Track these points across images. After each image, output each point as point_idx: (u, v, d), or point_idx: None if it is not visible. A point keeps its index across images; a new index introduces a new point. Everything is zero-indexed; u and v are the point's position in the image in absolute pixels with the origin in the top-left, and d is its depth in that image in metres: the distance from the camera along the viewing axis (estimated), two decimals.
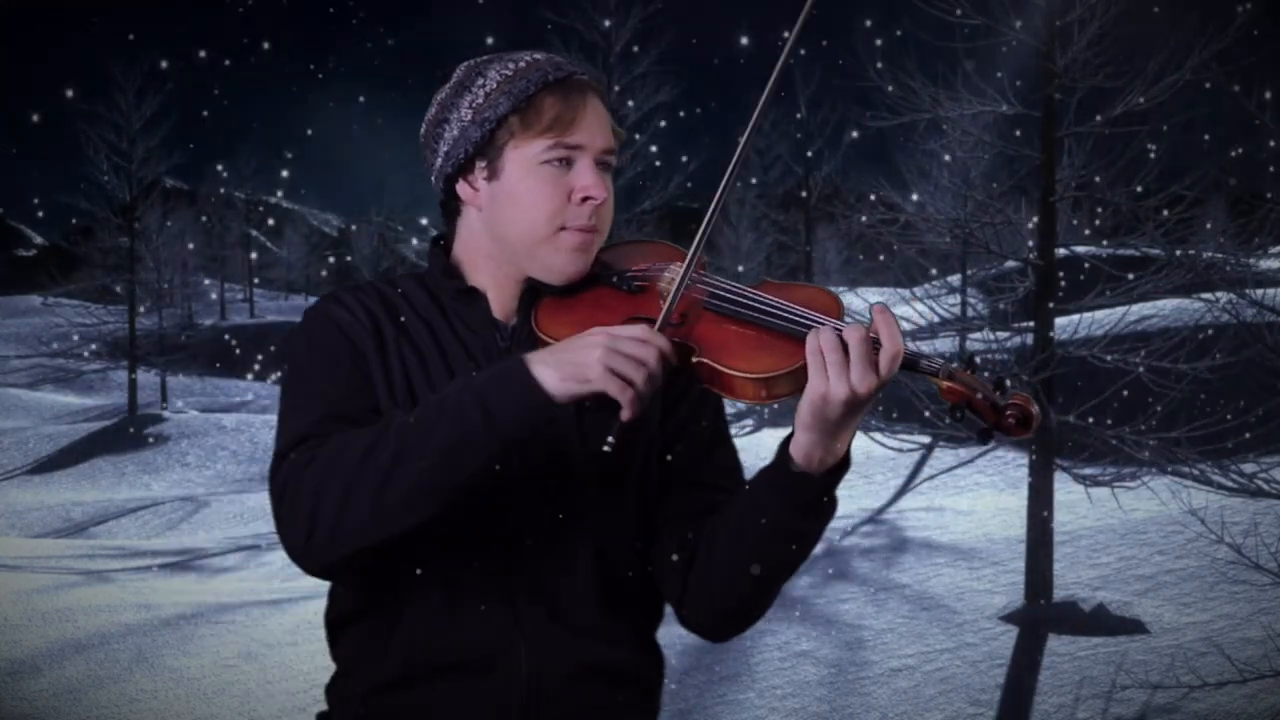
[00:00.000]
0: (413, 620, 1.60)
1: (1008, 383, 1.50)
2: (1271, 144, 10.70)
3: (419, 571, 1.59)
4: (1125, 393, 12.71)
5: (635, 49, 23.94)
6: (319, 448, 1.51)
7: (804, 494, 1.53)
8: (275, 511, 1.53)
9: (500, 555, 1.61)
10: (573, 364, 1.46)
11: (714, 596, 1.63)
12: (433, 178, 1.71)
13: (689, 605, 1.66)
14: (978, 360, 1.60)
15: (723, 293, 1.61)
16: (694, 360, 1.55)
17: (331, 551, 1.48)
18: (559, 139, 1.60)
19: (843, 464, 1.54)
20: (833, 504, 1.56)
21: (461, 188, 1.67)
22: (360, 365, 1.62)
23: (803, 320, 1.54)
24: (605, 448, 1.46)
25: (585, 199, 1.62)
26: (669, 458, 1.70)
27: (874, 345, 1.47)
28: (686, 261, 1.58)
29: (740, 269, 38.33)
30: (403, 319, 1.68)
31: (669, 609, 1.75)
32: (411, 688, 1.59)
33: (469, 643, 1.59)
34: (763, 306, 1.57)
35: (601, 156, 1.64)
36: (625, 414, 1.46)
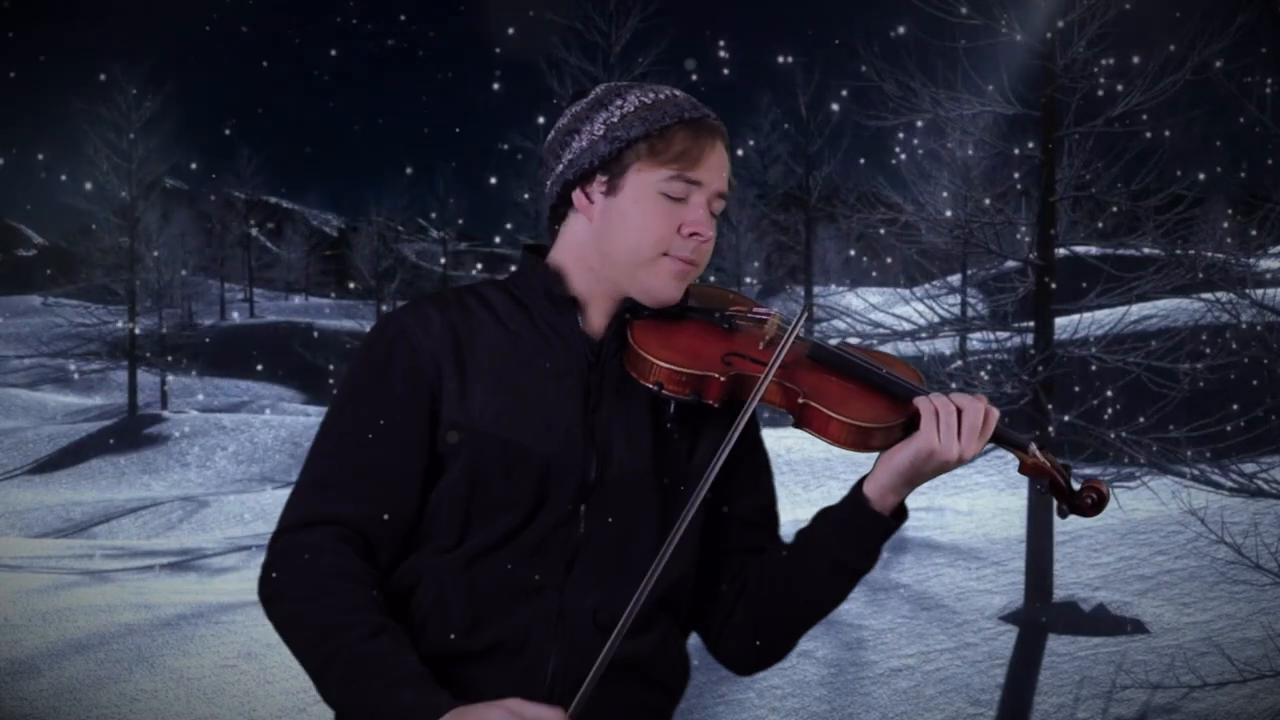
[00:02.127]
0: (451, 599, 1.63)
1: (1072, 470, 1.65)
2: (1271, 148, 10.70)
3: (479, 554, 1.63)
4: (1125, 393, 12.71)
5: (637, 48, 23.94)
6: (324, 553, 1.59)
7: (874, 535, 1.66)
8: (270, 550, 1.64)
9: (563, 553, 1.65)
10: None
11: (762, 628, 1.73)
12: (549, 182, 1.76)
13: (730, 635, 1.75)
14: (1052, 433, 1.78)
15: (827, 348, 1.74)
16: (799, 402, 1.66)
17: (272, 625, 1.63)
18: (681, 172, 1.68)
19: (902, 512, 1.69)
20: (879, 552, 1.69)
21: (577, 195, 1.73)
22: (419, 389, 1.66)
23: (900, 382, 1.68)
24: None
25: (693, 234, 1.69)
26: (725, 493, 1.76)
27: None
28: (800, 312, 1.70)
29: (741, 269, 38.35)
30: (486, 328, 1.71)
31: None
32: (441, 667, 1.60)
33: (505, 631, 1.62)
34: (863, 364, 1.71)
35: (715, 199, 1.72)
36: None
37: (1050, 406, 12.34)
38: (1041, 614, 12.65)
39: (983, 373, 13.17)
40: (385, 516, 1.63)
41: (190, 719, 10.38)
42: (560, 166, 1.73)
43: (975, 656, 12.03)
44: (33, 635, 11.74)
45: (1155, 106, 12.30)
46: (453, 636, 1.62)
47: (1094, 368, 13.21)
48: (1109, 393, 12.43)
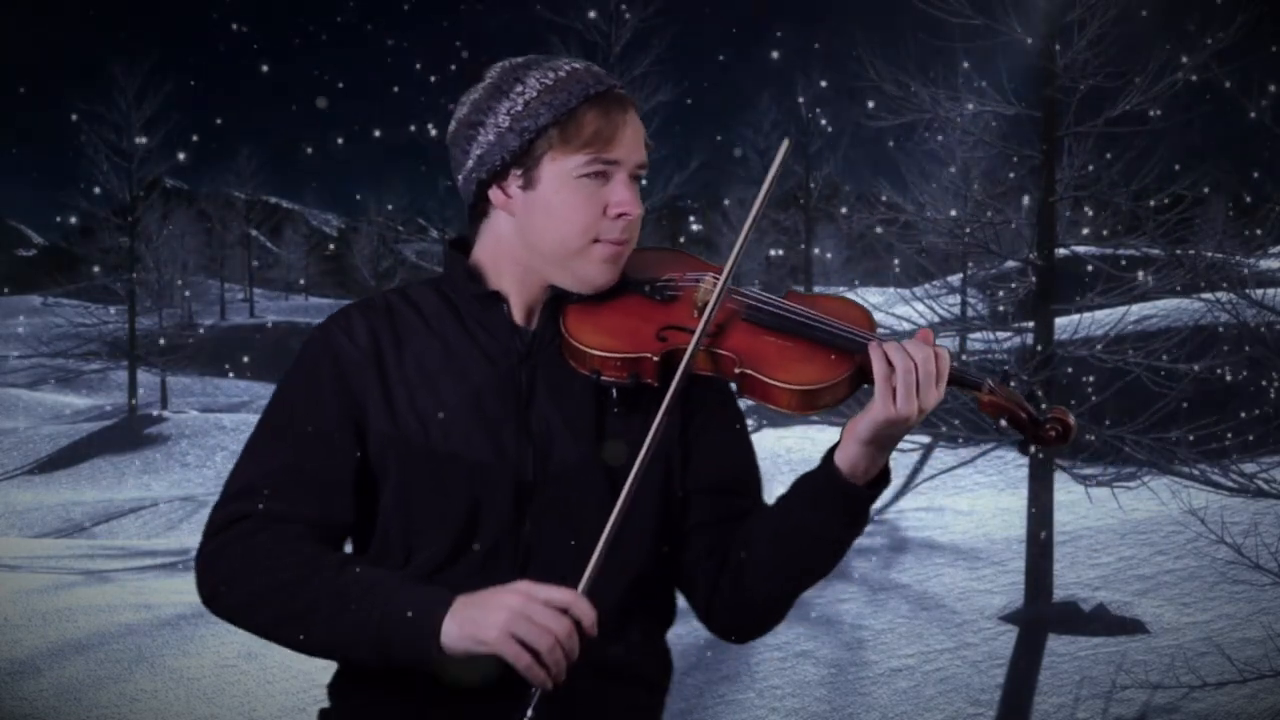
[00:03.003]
0: None
1: (1039, 392, 1.58)
2: (1271, 148, 10.70)
3: (427, 571, 1.60)
4: (1125, 393, 12.71)
5: (638, 46, 23.95)
6: (253, 535, 1.55)
7: (851, 505, 1.58)
8: (197, 557, 1.60)
9: (513, 559, 1.62)
10: (474, 622, 1.45)
11: (748, 600, 1.67)
12: (460, 178, 1.71)
13: (719, 608, 1.70)
14: (1010, 370, 1.63)
15: (760, 304, 1.64)
16: (736, 371, 1.58)
17: (225, 619, 1.61)
18: (598, 154, 1.62)
19: (885, 475, 1.60)
20: (867, 516, 1.62)
21: (494, 193, 1.67)
22: (347, 402, 1.63)
23: (843, 333, 1.58)
24: None
25: (620, 214, 1.63)
26: (691, 464, 1.71)
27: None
28: (725, 272, 1.61)
29: (740, 269, 38.30)
30: (412, 335, 1.67)
31: (678, 611, 1.77)
32: (416, 685, 1.58)
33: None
34: (801, 318, 1.61)
35: (636, 171, 1.66)
36: (534, 682, 1.45)
37: (1044, 404, 12.32)
38: (1041, 614, 12.65)
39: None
40: (315, 517, 1.59)
41: (190, 719, 10.38)
42: (470, 163, 1.67)
43: (975, 656, 12.03)
44: (33, 635, 11.74)
45: (1155, 106, 12.29)
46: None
47: (1094, 368, 13.21)
48: (1109, 393, 12.43)
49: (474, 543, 1.60)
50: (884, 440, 1.54)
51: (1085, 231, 13.62)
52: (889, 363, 1.52)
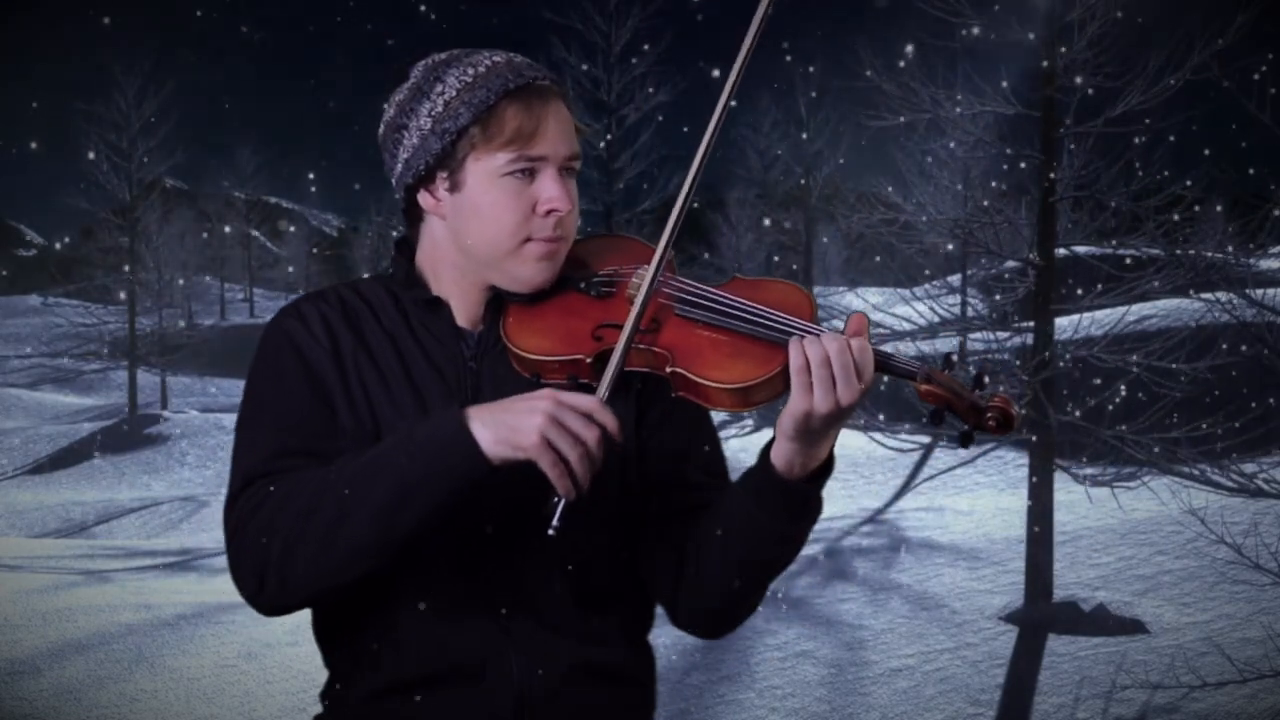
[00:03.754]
0: (403, 630, 1.59)
1: (986, 379, 1.50)
2: (1271, 148, 10.69)
3: (403, 584, 1.59)
4: (1125, 393, 12.71)
5: (639, 47, 23.96)
6: (265, 493, 1.52)
7: (789, 499, 1.53)
8: (229, 557, 1.55)
9: (482, 565, 1.60)
10: (510, 427, 1.43)
11: (704, 596, 1.63)
12: (393, 181, 1.67)
13: (680, 605, 1.66)
14: (954, 357, 1.57)
15: (692, 297, 1.58)
16: (668, 370, 1.53)
17: (282, 600, 1.51)
18: (521, 151, 1.57)
19: (826, 466, 1.55)
20: (818, 505, 1.56)
21: (423, 197, 1.64)
22: (317, 388, 1.61)
23: (777, 325, 1.52)
24: (550, 531, 1.44)
25: (550, 211, 1.59)
26: (648, 459, 1.68)
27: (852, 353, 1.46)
28: (652, 267, 1.55)
29: (740, 269, 38.32)
30: (364, 330, 1.65)
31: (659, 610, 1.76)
32: (403, 695, 1.58)
33: (459, 650, 1.58)
34: (734, 311, 1.55)
35: (566, 164, 1.61)
36: (561, 491, 1.44)
37: (1050, 407, 12.34)
38: (1041, 614, 12.65)
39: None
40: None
41: (190, 719, 10.38)
42: (399, 167, 1.63)
43: (975, 656, 12.03)
44: (33, 635, 11.74)
45: (1155, 106, 12.30)
46: (406, 671, 1.58)
47: (1094, 368, 13.21)
48: (1109, 393, 12.43)
49: (444, 548, 1.58)
50: (811, 435, 1.49)
51: (1086, 231, 13.61)
52: (804, 355, 1.47)
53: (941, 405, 1.49)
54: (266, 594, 1.51)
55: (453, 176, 1.60)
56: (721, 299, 1.57)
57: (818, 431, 1.49)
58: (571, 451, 1.42)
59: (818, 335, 1.49)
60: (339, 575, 1.49)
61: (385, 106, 1.66)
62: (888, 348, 1.53)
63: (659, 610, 1.76)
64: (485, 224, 1.60)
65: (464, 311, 1.67)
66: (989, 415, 1.48)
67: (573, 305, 1.63)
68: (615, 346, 1.53)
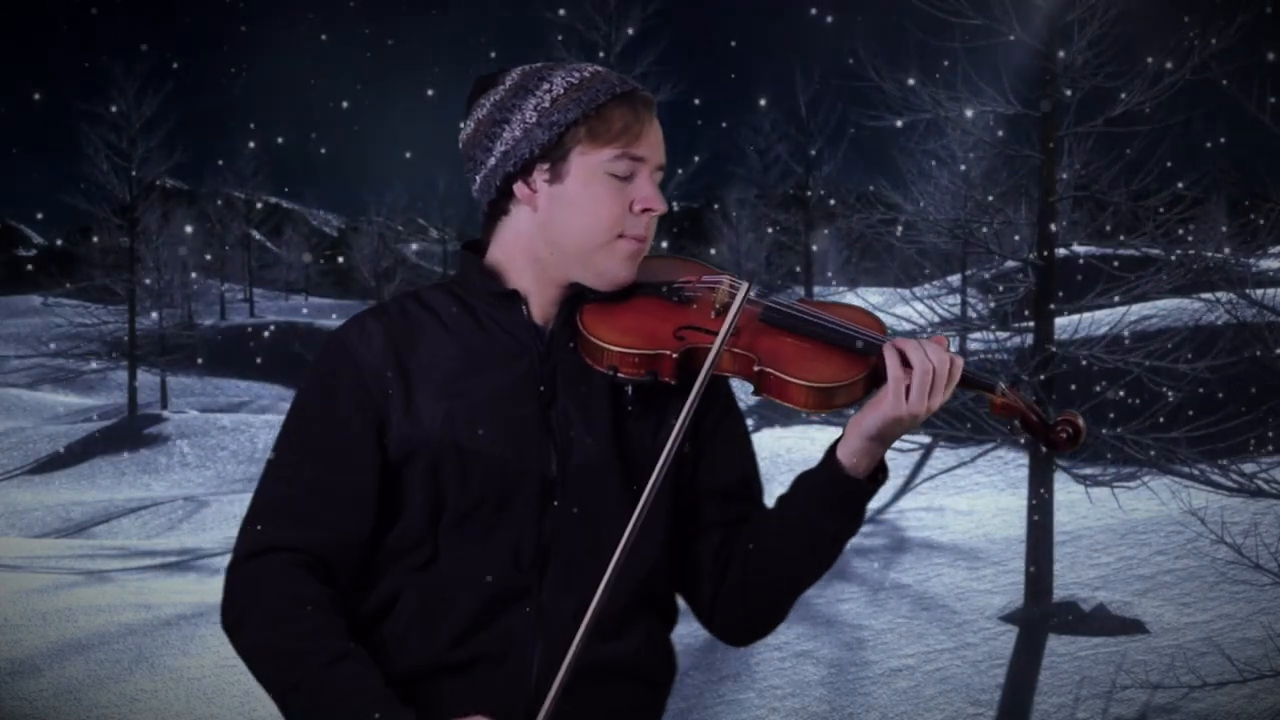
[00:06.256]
0: (434, 617, 1.61)
1: (1050, 396, 1.60)
2: (1271, 148, 10.70)
3: (436, 571, 1.62)
4: (1125, 393, 12.71)
5: (639, 46, 23.95)
6: (278, 577, 1.60)
7: (852, 499, 1.62)
8: (226, 583, 1.65)
9: (534, 556, 1.62)
10: None
11: (750, 601, 1.69)
12: (480, 176, 1.71)
13: (719, 609, 1.71)
14: (1025, 377, 1.67)
15: (777, 308, 1.67)
16: (755, 370, 1.61)
17: (238, 654, 1.64)
18: (626, 150, 1.65)
19: (882, 470, 1.64)
20: (865, 510, 1.65)
21: (519, 187, 1.68)
22: (367, 408, 1.64)
23: (859, 336, 1.61)
24: None
25: (645, 210, 1.66)
26: (702, 465, 1.72)
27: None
28: (747, 283, 1.66)
29: (740, 269, 38.33)
30: (427, 338, 1.68)
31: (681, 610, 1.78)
32: (424, 681, 1.60)
33: (487, 640, 1.61)
34: (818, 321, 1.64)
35: (657, 170, 1.69)
36: None
37: (1050, 407, 12.34)
38: (1041, 614, 12.65)
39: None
40: (339, 539, 1.61)
41: (190, 719, 10.38)
42: (493, 160, 1.68)
43: (975, 656, 12.03)
44: (33, 635, 11.74)
45: (1155, 106, 12.30)
46: (434, 652, 1.61)
47: (1094, 368, 13.21)
48: (1109, 393, 12.43)
49: (497, 536, 1.61)
50: (887, 436, 1.59)
51: (1086, 231, 13.61)
52: (906, 362, 1.56)
53: (1014, 418, 1.59)
54: (230, 640, 1.64)
55: (555, 168, 1.66)
56: (804, 310, 1.66)
57: (896, 434, 1.59)
58: None
59: (917, 342, 1.58)
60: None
61: (474, 109, 1.71)
62: None
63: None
64: (584, 215, 1.65)
65: (539, 307, 1.70)
66: (1059, 428, 1.58)
67: (652, 308, 1.69)
68: (704, 346, 1.61)
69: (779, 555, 1.64)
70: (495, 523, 1.61)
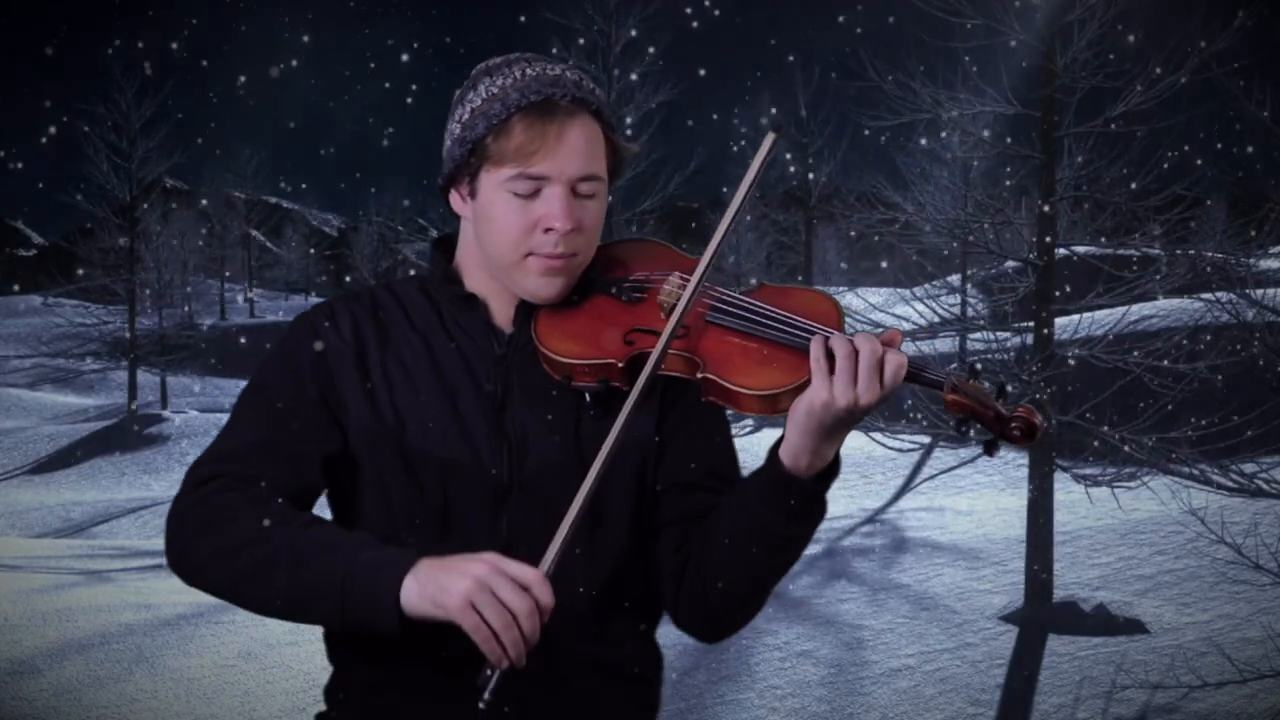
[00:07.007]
0: (414, 624, 1.58)
1: (1009, 388, 1.52)
2: (1271, 148, 10.70)
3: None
4: (1125, 393, 12.71)
5: (639, 46, 23.96)
6: (224, 499, 1.53)
7: (795, 499, 1.53)
8: (168, 521, 1.57)
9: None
10: (439, 584, 1.41)
11: (707, 598, 1.63)
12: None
13: (682, 606, 1.67)
14: (979, 367, 1.58)
15: (725, 305, 1.61)
16: (699, 375, 1.55)
17: (189, 581, 1.57)
18: (521, 169, 1.58)
19: (833, 468, 1.55)
20: (823, 507, 1.56)
21: (453, 199, 1.68)
22: (328, 384, 1.63)
23: (807, 332, 1.54)
24: (480, 704, 1.42)
25: (548, 229, 1.59)
26: (664, 460, 1.69)
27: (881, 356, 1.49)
28: (694, 280, 1.57)
29: (740, 269, 38.35)
30: (394, 330, 1.68)
31: None
32: (409, 688, 1.59)
33: (451, 646, 1.56)
34: (765, 319, 1.57)
35: (576, 184, 1.60)
36: (490, 659, 1.41)
37: (1051, 406, 12.34)
38: (1041, 614, 12.65)
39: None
40: (286, 479, 1.57)
41: (190, 719, 10.38)
42: (443, 166, 1.68)
43: (975, 656, 12.03)
44: (33, 635, 11.74)
45: (1155, 106, 12.30)
46: (395, 658, 1.59)
47: (1094, 368, 13.21)
48: (1109, 393, 12.43)
49: (451, 540, 1.58)
50: (823, 430, 1.49)
51: (1086, 231, 13.62)
52: (827, 350, 1.48)
53: (967, 414, 1.51)
54: (179, 571, 1.56)
55: (471, 183, 1.64)
56: (752, 307, 1.59)
57: (829, 427, 1.49)
58: (497, 619, 1.40)
59: (847, 336, 1.51)
60: (240, 603, 1.54)
61: None
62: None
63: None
64: (494, 233, 1.62)
65: (498, 311, 1.69)
66: (1014, 425, 1.50)
67: (603, 310, 1.65)
68: (651, 351, 1.55)
69: (730, 554, 1.58)
70: (450, 524, 1.60)
